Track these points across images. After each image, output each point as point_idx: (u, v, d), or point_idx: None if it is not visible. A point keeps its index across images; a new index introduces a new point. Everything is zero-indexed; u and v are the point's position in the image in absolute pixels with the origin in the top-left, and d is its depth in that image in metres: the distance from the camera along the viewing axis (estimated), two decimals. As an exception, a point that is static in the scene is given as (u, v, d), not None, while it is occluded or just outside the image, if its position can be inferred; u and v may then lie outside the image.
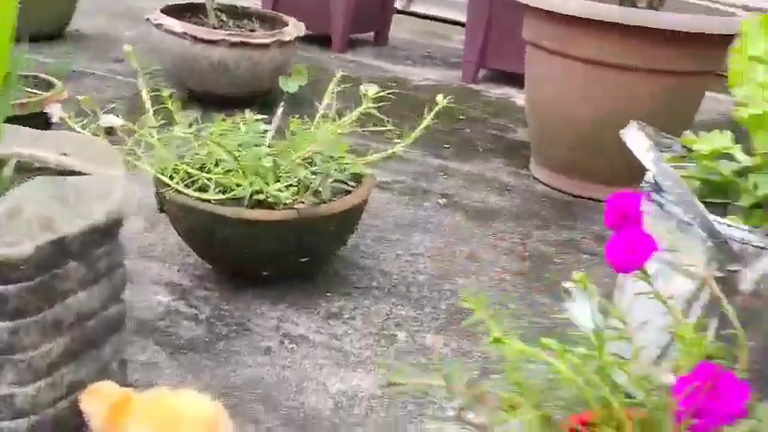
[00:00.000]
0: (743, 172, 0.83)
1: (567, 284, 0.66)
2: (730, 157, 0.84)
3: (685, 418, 0.46)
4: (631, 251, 0.59)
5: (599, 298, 0.59)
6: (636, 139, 0.87)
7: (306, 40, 2.84)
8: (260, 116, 1.06)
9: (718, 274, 0.79)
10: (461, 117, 2.10)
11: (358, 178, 1.08)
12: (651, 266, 0.89)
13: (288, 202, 0.95)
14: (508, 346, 0.55)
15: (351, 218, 1.03)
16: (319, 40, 2.75)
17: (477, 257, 1.26)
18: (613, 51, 1.44)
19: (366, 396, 0.88)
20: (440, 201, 1.48)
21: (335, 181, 0.99)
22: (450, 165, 1.70)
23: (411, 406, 0.87)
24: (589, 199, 1.54)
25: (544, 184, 1.64)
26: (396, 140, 1.17)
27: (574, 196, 1.58)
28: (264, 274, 1.02)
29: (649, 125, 1.00)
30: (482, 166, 1.71)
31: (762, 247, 0.77)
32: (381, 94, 1.16)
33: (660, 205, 0.85)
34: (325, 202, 0.99)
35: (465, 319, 0.61)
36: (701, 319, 0.82)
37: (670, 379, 0.43)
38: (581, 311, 0.51)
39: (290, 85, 1.12)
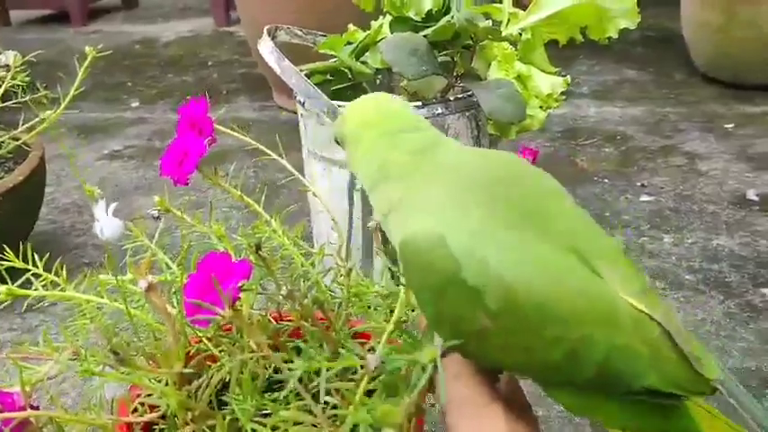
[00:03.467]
0: (360, 52, 0.82)
1: (151, 211, 0.62)
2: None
3: (191, 312, 0.43)
4: (181, 160, 0.56)
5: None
6: (264, 45, 0.84)
7: (41, 19, 2.61)
8: None
9: (360, 157, 0.79)
10: (210, 63, 2.01)
11: (25, 155, 0.98)
12: (316, 167, 0.88)
13: None
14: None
15: (20, 198, 0.94)
16: (58, 17, 2.53)
17: (202, 205, 1.21)
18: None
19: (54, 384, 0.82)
20: (172, 155, 1.41)
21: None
22: (191, 115, 1.62)
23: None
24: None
25: (288, 110, 1.61)
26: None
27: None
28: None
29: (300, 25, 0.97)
30: (224, 108, 1.65)
31: (384, 121, 0.77)
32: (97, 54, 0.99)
33: (303, 104, 0.83)
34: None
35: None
36: (364, 204, 0.83)
37: (141, 285, 0.40)
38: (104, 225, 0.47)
39: None
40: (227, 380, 0.47)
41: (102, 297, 0.48)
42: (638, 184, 1.20)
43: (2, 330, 0.93)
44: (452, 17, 0.74)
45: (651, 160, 1.29)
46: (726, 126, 1.40)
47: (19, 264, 0.52)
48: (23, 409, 0.39)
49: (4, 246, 0.94)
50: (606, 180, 1.22)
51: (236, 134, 0.66)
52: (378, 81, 0.91)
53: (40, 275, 0.54)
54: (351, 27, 0.95)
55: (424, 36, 0.75)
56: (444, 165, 0.39)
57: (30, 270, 0.52)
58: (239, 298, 0.44)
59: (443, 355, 0.38)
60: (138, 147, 1.46)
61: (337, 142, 0.43)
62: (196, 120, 0.59)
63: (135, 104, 1.71)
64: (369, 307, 0.51)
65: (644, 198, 1.15)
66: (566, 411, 0.39)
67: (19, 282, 0.50)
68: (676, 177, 1.21)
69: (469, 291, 0.34)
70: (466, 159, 0.39)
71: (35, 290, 0.49)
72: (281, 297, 0.47)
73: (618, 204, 1.12)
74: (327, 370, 0.40)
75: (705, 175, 1.21)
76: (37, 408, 0.40)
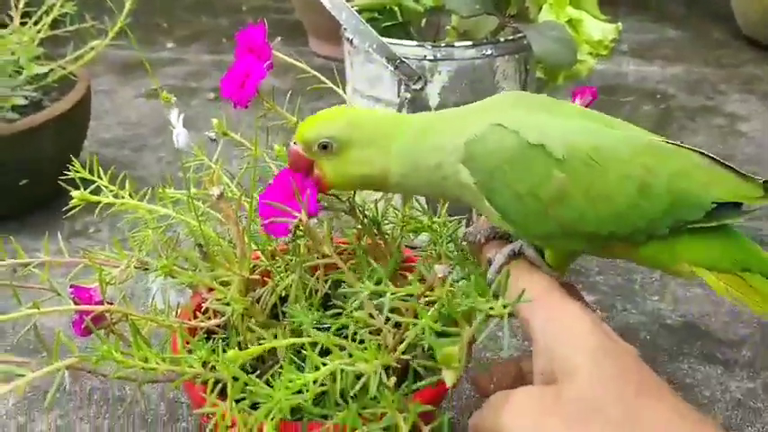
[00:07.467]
0: (411, -11, 0.81)
1: (208, 133, 0.63)
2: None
3: (267, 220, 0.45)
4: (243, 83, 0.56)
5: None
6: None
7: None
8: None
9: (407, 95, 0.79)
10: (244, 9, 2.00)
11: (71, 85, 1.00)
12: (361, 104, 0.89)
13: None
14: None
15: (68, 126, 0.96)
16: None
17: (243, 143, 1.22)
18: None
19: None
20: (209, 96, 1.42)
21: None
22: (226, 58, 1.62)
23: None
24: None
25: (323, 57, 1.60)
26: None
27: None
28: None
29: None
30: (260, 52, 1.65)
31: (435, 59, 0.77)
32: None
33: (351, 42, 0.83)
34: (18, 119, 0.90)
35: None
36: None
37: (214, 192, 0.42)
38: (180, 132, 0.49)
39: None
40: (283, 294, 0.48)
41: (169, 209, 0.50)
42: (678, 141, 1.19)
43: (48, 254, 0.95)
44: (509, -45, 0.73)
45: (691, 120, 1.27)
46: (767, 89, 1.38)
47: (86, 175, 0.54)
48: (100, 304, 0.41)
49: (52, 173, 0.95)
50: (644, 137, 1.21)
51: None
52: (425, 21, 0.90)
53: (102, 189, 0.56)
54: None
55: (479, -26, 0.75)
56: (458, 109, 0.45)
57: (95, 182, 0.54)
58: (317, 212, 0.45)
59: (518, 254, 0.40)
60: (174, 86, 1.47)
61: (324, 147, 0.44)
62: (254, 45, 0.60)
63: (170, 45, 1.71)
64: (417, 231, 0.52)
65: (683, 155, 1.14)
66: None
67: (88, 190, 0.52)
68: (717, 137, 1.20)
69: (535, 150, 0.39)
70: (469, 106, 0.46)
71: (104, 197, 0.50)
72: (342, 213, 0.48)
73: (656, 160, 1.12)
74: (393, 294, 0.41)
75: (746, 136, 1.20)
76: (111, 304, 0.42)
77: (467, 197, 0.42)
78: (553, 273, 0.43)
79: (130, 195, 0.54)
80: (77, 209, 0.54)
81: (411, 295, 0.46)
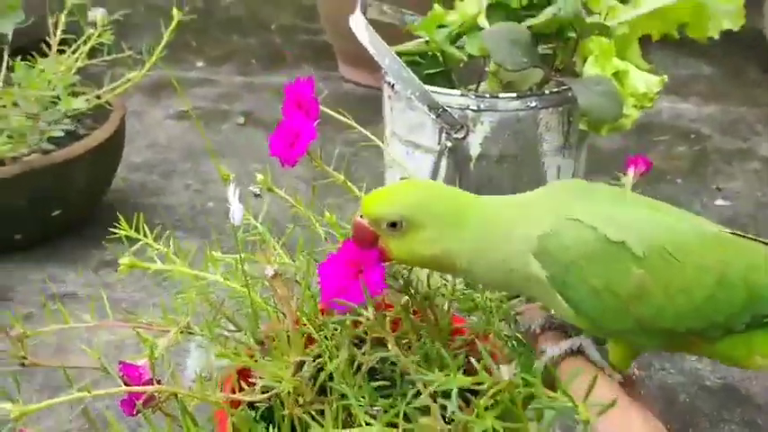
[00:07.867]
0: (455, 38, 0.80)
1: (252, 188, 0.63)
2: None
3: (329, 299, 0.44)
4: (292, 143, 0.55)
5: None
6: (356, 21, 0.83)
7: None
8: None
9: (448, 143, 0.78)
10: (273, 27, 2.00)
11: (105, 114, 0.99)
12: (399, 149, 0.88)
13: (12, 155, 0.86)
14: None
15: (102, 157, 0.96)
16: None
17: (273, 174, 1.21)
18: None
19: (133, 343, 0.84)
20: (239, 120, 1.41)
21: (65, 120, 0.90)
22: (256, 80, 1.62)
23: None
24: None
25: (353, 82, 1.60)
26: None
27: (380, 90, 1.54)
28: (17, 237, 0.94)
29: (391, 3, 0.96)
30: (289, 75, 1.64)
31: (478, 110, 0.76)
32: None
33: (392, 87, 0.82)
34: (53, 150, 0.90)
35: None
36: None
37: (268, 272, 0.41)
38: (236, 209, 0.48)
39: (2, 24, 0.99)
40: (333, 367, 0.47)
41: (216, 275, 0.49)
42: (713, 186, 1.17)
43: (76, 285, 0.95)
44: (559, 10, 0.72)
45: (727, 163, 1.25)
46: (805, 132, 1.36)
47: (133, 234, 0.53)
48: (150, 383, 0.40)
49: (83, 201, 0.95)
50: (679, 180, 1.19)
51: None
52: (463, 65, 0.89)
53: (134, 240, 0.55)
54: (437, 8, 0.93)
55: (528, 27, 0.74)
56: (522, 196, 0.44)
57: (141, 240, 0.53)
58: (381, 293, 0.43)
59: (577, 351, 0.39)
60: (204, 108, 1.47)
61: (393, 225, 0.42)
62: (302, 101, 0.59)
63: (200, 64, 1.71)
64: (475, 307, 0.51)
65: (719, 202, 1.12)
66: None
67: (133, 249, 0.51)
68: (754, 183, 1.18)
69: (614, 246, 0.39)
70: (533, 191, 0.45)
71: (151, 260, 0.50)
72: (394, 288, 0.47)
73: (692, 208, 1.10)
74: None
75: (783, 183, 1.18)
76: (159, 381, 0.41)
77: (534, 290, 0.41)
78: (615, 374, 0.41)
79: (176, 254, 0.52)
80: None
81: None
